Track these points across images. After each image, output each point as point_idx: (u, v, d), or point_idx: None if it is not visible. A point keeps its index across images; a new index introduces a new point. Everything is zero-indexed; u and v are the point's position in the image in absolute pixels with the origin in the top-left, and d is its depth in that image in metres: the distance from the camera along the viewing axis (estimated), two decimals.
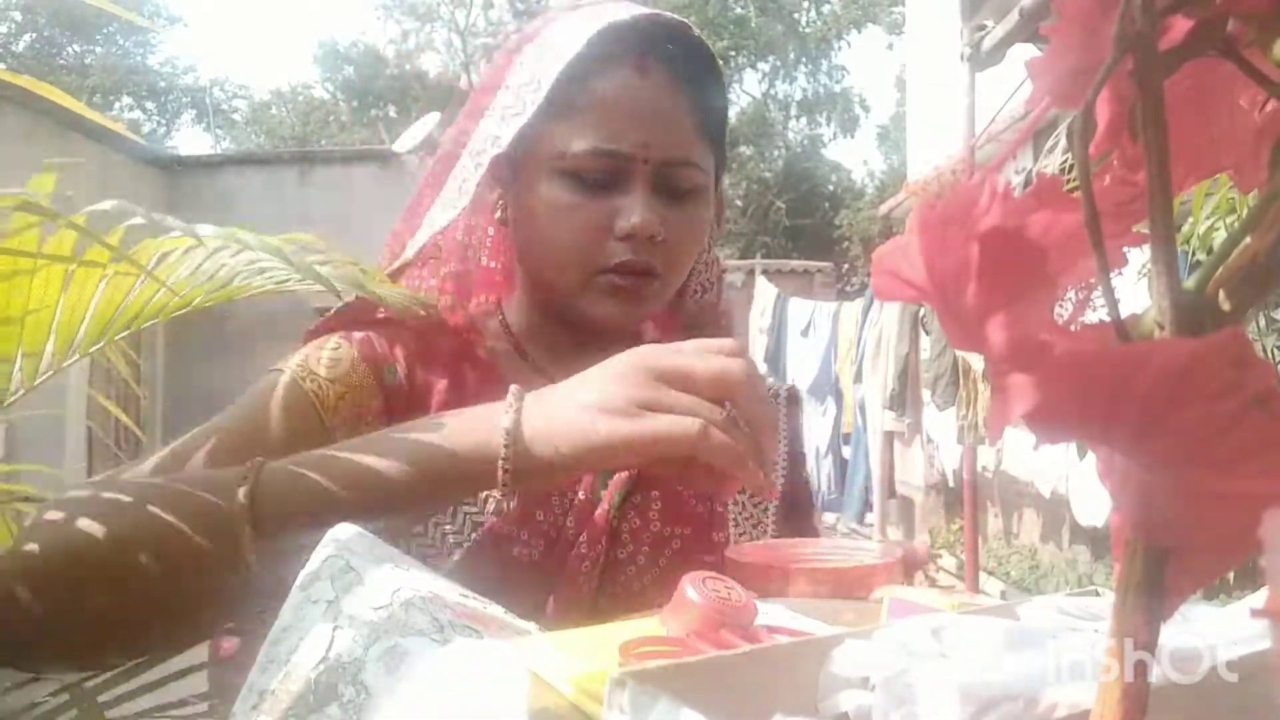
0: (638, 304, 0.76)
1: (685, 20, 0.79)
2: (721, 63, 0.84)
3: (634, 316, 0.78)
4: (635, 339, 0.80)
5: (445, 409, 0.70)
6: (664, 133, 0.74)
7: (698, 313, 0.89)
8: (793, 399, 0.93)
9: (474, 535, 0.72)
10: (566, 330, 0.80)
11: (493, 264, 0.85)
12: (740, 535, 0.83)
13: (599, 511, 0.76)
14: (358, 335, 0.76)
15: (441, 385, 0.77)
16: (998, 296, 0.22)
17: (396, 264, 0.81)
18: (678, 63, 0.76)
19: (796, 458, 0.91)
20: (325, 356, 0.74)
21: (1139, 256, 0.27)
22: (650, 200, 0.72)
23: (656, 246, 0.73)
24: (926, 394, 5.71)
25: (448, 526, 0.73)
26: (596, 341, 0.74)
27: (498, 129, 0.75)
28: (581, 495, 0.76)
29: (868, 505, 6.79)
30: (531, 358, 0.81)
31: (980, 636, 0.42)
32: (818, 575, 0.60)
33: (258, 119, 20.60)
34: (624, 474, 0.78)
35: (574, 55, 0.72)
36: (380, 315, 0.79)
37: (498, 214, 0.80)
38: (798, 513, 0.89)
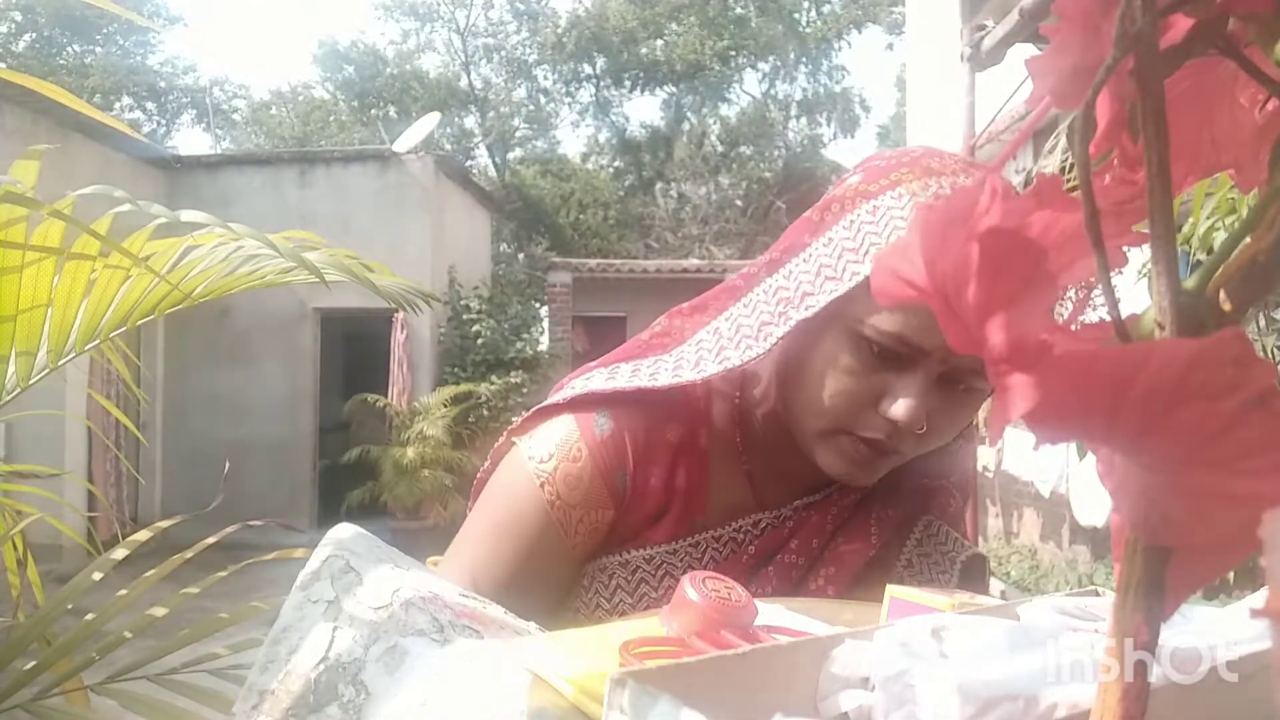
0: (869, 474, 0.76)
1: None
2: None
3: (861, 482, 0.78)
4: None
5: (659, 507, 0.78)
6: None
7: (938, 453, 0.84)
8: (970, 568, 0.85)
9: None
10: (790, 448, 0.80)
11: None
12: None
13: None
14: (595, 436, 0.78)
15: (658, 482, 0.79)
16: (998, 296, 0.22)
17: (684, 379, 0.77)
18: None
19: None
20: (567, 471, 0.77)
21: (1139, 256, 0.27)
22: (926, 393, 0.71)
23: (913, 434, 0.72)
24: None
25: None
26: (811, 465, 0.76)
27: (811, 286, 0.73)
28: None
29: None
30: (745, 454, 0.83)
31: (980, 636, 0.42)
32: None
33: (257, 119, 20.58)
34: None
35: None
36: (612, 389, 0.79)
37: None
38: None
